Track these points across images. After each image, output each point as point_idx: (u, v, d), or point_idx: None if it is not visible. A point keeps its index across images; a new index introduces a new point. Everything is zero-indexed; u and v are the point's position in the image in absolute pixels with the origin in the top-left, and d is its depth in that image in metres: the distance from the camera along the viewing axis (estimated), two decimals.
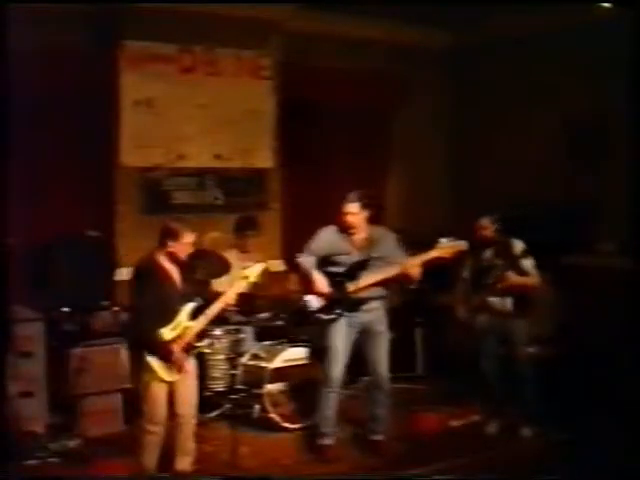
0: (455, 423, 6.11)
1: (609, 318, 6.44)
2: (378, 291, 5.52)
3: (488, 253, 5.90)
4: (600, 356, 6.40)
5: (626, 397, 5.25)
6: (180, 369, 4.87)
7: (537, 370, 5.98)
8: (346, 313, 5.45)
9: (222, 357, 6.20)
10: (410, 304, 7.87)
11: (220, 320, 6.15)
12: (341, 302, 5.43)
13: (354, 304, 5.45)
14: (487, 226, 5.88)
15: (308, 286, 5.47)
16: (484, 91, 8.38)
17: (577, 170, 7.49)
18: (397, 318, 7.69)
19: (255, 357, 6.24)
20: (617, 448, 5.05)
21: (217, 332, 6.21)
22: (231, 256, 6.12)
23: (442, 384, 6.96)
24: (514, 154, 7.97)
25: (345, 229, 5.46)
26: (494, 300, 5.85)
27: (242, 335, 6.35)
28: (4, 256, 4.76)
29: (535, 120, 7.81)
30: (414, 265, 5.34)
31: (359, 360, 5.61)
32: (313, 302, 5.49)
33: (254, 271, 5.07)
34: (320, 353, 5.70)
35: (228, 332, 6.26)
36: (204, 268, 5.52)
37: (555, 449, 5.56)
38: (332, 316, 5.45)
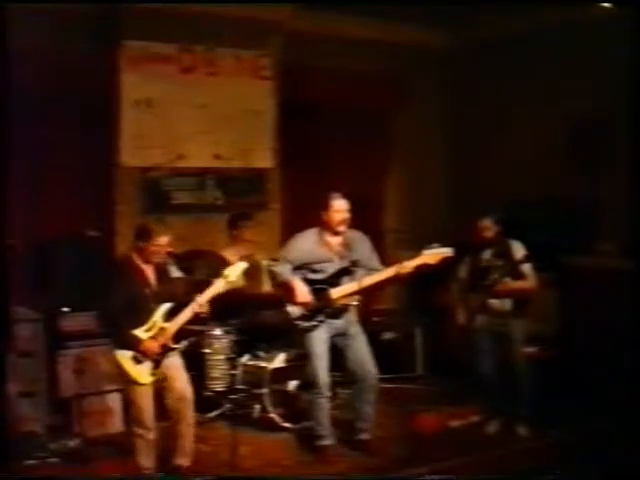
0: (455, 423, 6.10)
1: (609, 318, 6.43)
2: (356, 296, 5.52)
3: (487, 254, 5.90)
4: (600, 356, 6.40)
5: (626, 397, 5.25)
6: (155, 370, 4.83)
7: (537, 370, 5.98)
8: (326, 320, 5.45)
9: (222, 357, 6.20)
10: (410, 304, 7.89)
11: (220, 320, 6.20)
12: (322, 310, 5.42)
13: (336, 311, 5.45)
14: (488, 227, 5.87)
15: (289, 295, 5.44)
16: (484, 91, 8.37)
17: (577, 170, 7.49)
18: (397, 318, 7.76)
19: (255, 357, 6.25)
20: (617, 448, 5.05)
21: (217, 332, 6.21)
22: (229, 255, 6.13)
23: (442, 384, 6.95)
24: (514, 154, 7.97)
25: (332, 228, 5.44)
26: (492, 300, 5.85)
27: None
28: (4, 256, 4.76)
29: (535, 120, 7.80)
30: (400, 272, 5.33)
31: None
32: (293, 310, 5.47)
33: (234, 270, 4.96)
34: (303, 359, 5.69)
35: (228, 332, 6.26)
36: (204, 268, 5.52)
37: (555, 449, 5.56)
38: (313, 324, 5.44)
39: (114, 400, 5.94)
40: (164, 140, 7.10)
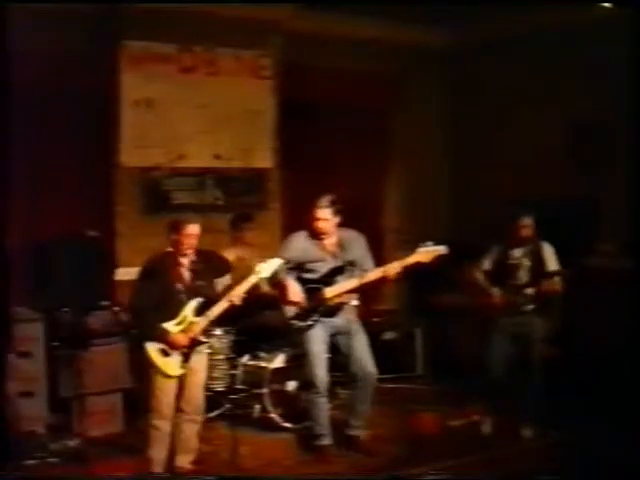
0: (455, 423, 6.10)
1: (609, 318, 6.43)
2: (352, 295, 5.52)
3: (518, 252, 5.87)
4: (600, 356, 6.40)
5: (626, 397, 5.25)
6: (185, 364, 4.87)
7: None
8: (322, 319, 5.45)
9: (222, 357, 6.20)
10: (410, 304, 7.90)
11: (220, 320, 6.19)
12: (317, 309, 5.43)
13: (330, 310, 5.45)
14: (529, 225, 5.83)
15: (282, 294, 5.44)
16: (484, 91, 8.37)
17: (577, 170, 7.49)
18: (397, 318, 7.76)
19: (255, 357, 6.25)
20: (617, 448, 5.05)
21: (217, 332, 6.21)
22: (230, 255, 6.13)
23: (442, 384, 6.96)
24: (514, 154, 7.97)
25: (316, 235, 5.45)
26: (517, 299, 5.83)
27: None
28: (4, 256, 4.76)
29: (535, 120, 7.80)
30: (394, 270, 5.33)
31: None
32: (289, 309, 5.47)
33: (268, 267, 4.96)
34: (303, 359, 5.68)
35: (228, 332, 6.26)
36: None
37: (555, 449, 5.56)
38: (309, 323, 5.44)
39: (114, 400, 5.95)
40: (164, 140, 7.10)
